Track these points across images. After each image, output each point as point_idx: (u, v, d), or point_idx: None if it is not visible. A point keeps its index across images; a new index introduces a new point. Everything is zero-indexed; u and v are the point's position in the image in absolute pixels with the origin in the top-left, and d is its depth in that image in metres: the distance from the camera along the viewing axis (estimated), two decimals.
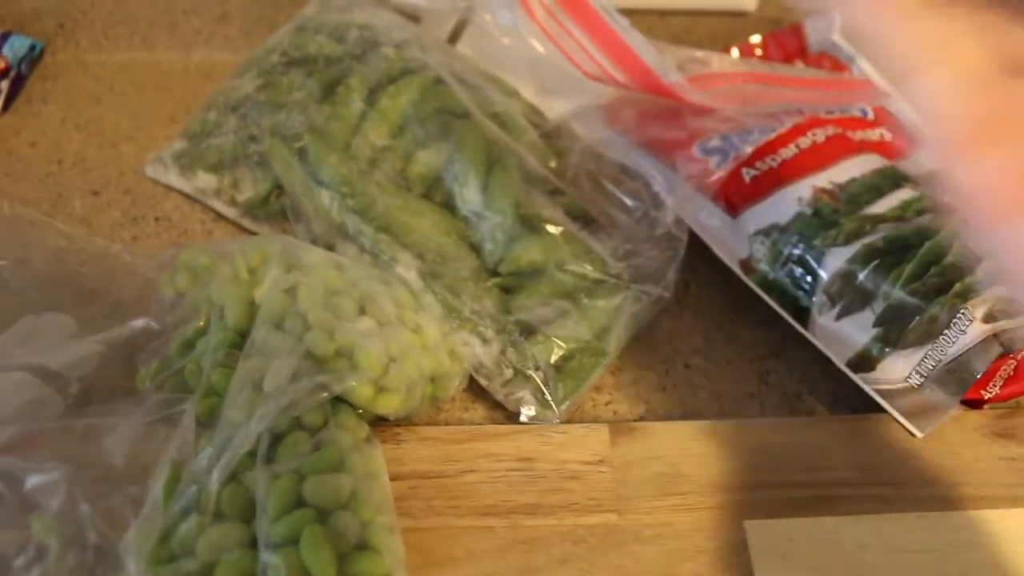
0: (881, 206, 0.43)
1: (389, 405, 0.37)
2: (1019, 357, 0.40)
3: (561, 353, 0.41)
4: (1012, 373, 0.40)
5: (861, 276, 0.41)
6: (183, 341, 0.41)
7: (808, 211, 0.44)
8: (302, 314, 0.39)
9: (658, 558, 0.35)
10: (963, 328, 0.39)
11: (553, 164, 0.48)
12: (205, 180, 0.49)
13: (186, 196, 0.51)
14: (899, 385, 0.40)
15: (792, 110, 0.49)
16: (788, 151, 0.46)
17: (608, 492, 0.37)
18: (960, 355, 0.39)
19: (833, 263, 0.42)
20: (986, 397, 0.40)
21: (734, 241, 0.45)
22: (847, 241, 0.42)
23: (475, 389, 0.42)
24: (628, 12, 0.56)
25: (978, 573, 0.36)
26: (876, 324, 0.41)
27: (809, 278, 0.42)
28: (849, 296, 0.41)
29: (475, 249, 0.44)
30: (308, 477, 0.34)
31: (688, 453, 0.38)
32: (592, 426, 0.39)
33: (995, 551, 0.36)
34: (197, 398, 0.38)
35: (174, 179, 0.50)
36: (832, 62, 0.55)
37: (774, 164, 0.46)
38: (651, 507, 0.37)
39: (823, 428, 0.40)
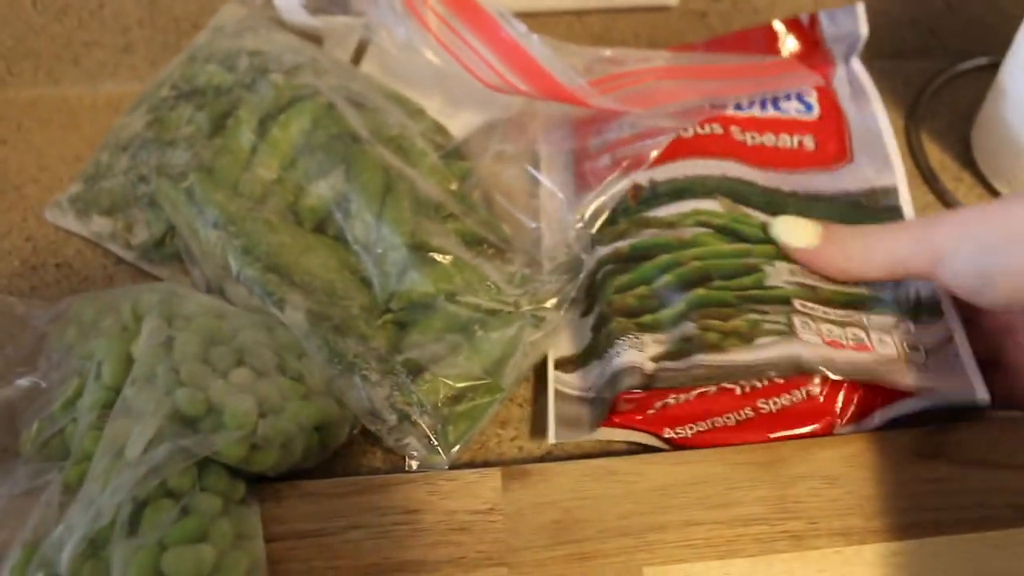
0: (668, 211, 0.42)
1: (265, 463, 0.36)
2: (691, 398, 0.38)
3: (450, 393, 0.38)
4: (709, 426, 0.38)
5: (597, 278, 0.41)
6: (65, 400, 0.39)
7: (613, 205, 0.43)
8: (175, 368, 0.37)
9: None
10: (619, 352, 0.37)
11: (453, 187, 0.45)
12: (100, 224, 0.47)
13: (88, 241, 0.49)
14: (576, 392, 0.40)
15: (705, 105, 0.46)
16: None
17: (498, 543, 0.35)
18: (610, 378, 0.38)
19: (589, 261, 0.42)
20: (668, 436, 0.38)
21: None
22: (611, 241, 0.41)
23: (373, 434, 0.40)
24: (544, 14, 0.54)
25: None
26: (591, 329, 0.40)
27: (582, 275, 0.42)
28: (588, 297, 0.41)
29: (366, 284, 0.42)
30: (169, 549, 0.33)
31: (584, 496, 0.36)
32: (483, 471, 0.37)
33: None
34: (69, 464, 0.37)
35: (72, 223, 0.49)
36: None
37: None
38: (544, 558, 0.35)
39: (729, 459, 0.37)
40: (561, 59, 0.47)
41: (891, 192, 0.44)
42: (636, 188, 0.43)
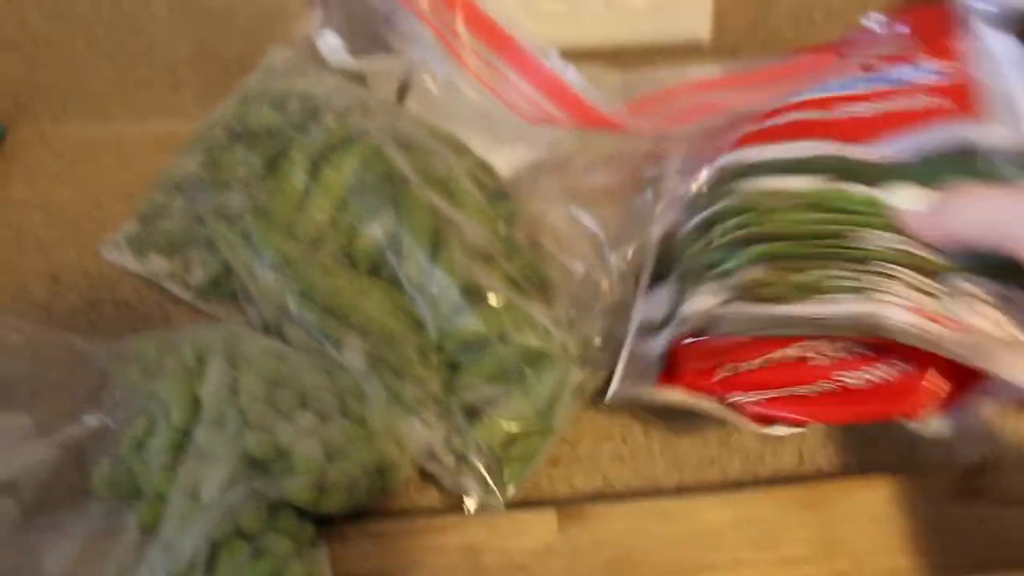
0: (757, 184, 0.39)
1: (332, 505, 0.37)
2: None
3: (505, 435, 0.40)
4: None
5: (680, 244, 0.41)
6: (133, 440, 0.41)
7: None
8: (242, 411, 0.38)
9: None
10: (687, 302, 0.37)
11: (500, 228, 0.47)
12: (158, 263, 0.49)
13: (144, 279, 0.50)
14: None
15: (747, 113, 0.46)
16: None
17: None
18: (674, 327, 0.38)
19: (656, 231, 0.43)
20: (733, 400, 0.37)
21: None
22: (695, 213, 0.41)
23: (428, 473, 0.42)
24: (577, 53, 0.55)
25: None
26: (673, 293, 0.40)
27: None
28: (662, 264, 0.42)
29: (420, 326, 0.43)
30: None
31: (638, 535, 0.37)
32: (540, 511, 0.38)
33: None
34: (144, 505, 0.38)
35: (129, 262, 0.50)
36: None
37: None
38: None
39: (779, 498, 0.39)
40: (596, 86, 0.48)
41: None
42: (733, 164, 0.41)
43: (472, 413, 0.40)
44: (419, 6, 0.49)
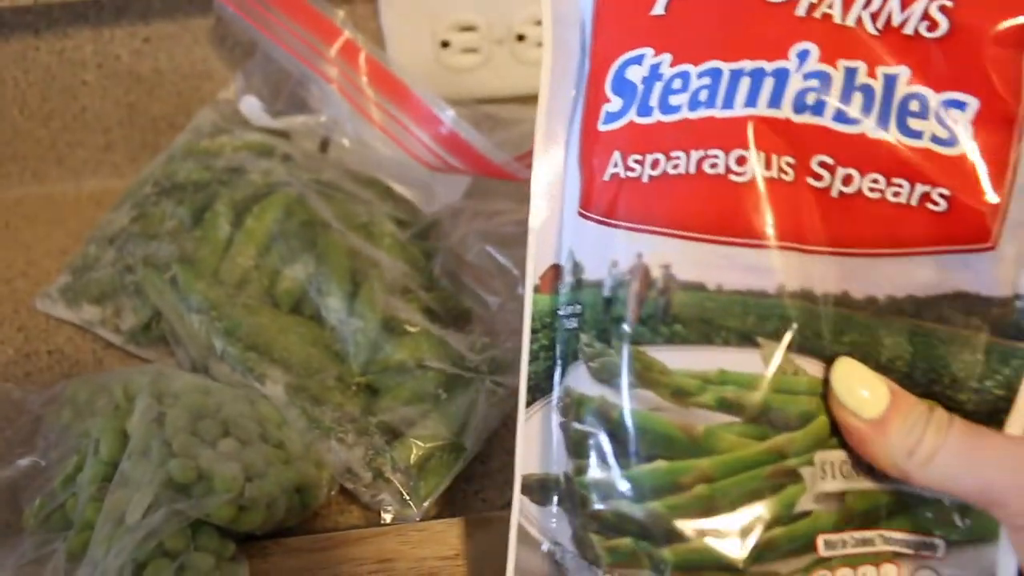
0: (682, 361, 0.28)
1: (252, 522, 0.39)
2: None
3: (421, 453, 0.43)
4: None
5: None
6: (65, 476, 0.43)
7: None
8: (168, 441, 0.41)
9: None
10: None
11: (421, 264, 0.50)
12: (90, 311, 0.51)
13: (77, 327, 0.53)
14: (538, 536, 0.33)
15: None
16: None
17: None
18: None
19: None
20: None
21: None
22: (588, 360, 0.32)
23: (349, 493, 0.44)
24: (490, 101, 0.60)
25: None
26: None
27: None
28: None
29: (341, 357, 0.46)
30: None
31: None
32: (449, 521, 0.41)
33: None
34: (72, 534, 0.40)
35: (62, 312, 0.53)
36: None
37: None
38: None
39: None
40: (490, 138, 0.52)
41: None
42: (645, 284, 0.28)
43: (391, 433, 0.43)
44: (326, 72, 0.53)
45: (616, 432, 0.29)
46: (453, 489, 0.45)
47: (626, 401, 0.28)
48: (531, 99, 0.60)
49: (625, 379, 0.28)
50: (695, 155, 0.27)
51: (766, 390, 0.27)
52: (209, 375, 0.47)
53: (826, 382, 0.27)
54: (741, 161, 0.27)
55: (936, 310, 0.26)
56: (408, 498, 0.42)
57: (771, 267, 0.26)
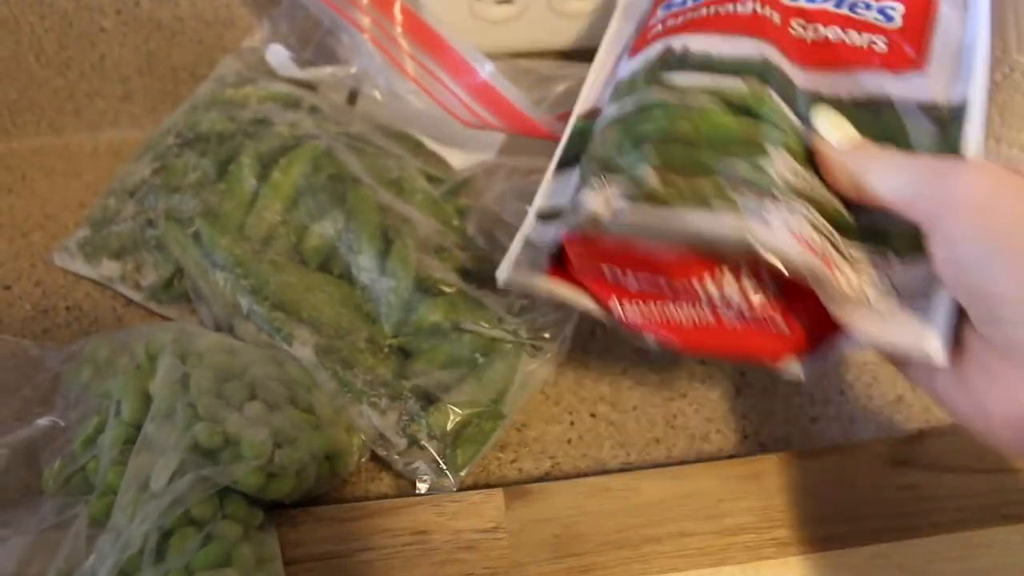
0: (685, 78, 0.38)
1: (281, 490, 0.38)
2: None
3: (457, 420, 0.41)
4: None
5: (596, 133, 0.40)
6: (85, 438, 0.41)
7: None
8: (192, 404, 0.39)
9: None
10: (583, 196, 0.36)
11: (455, 222, 0.48)
12: (109, 267, 0.49)
13: (96, 283, 0.51)
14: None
15: None
16: None
17: (503, 559, 0.37)
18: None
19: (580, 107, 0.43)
20: (617, 311, 0.36)
21: None
22: (620, 98, 0.40)
23: (381, 459, 0.42)
24: (526, 55, 0.57)
25: None
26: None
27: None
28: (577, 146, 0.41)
29: (372, 318, 0.44)
30: (196, 573, 0.34)
31: (583, 512, 0.38)
32: (487, 492, 0.39)
33: None
34: (94, 498, 0.38)
35: (81, 267, 0.51)
36: None
37: None
38: (546, 571, 0.37)
39: (721, 472, 0.40)
40: (529, 95, 0.50)
41: (958, 112, 0.36)
42: (667, 51, 0.39)
43: (426, 399, 0.41)
44: (358, 21, 0.50)
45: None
46: (487, 457, 0.43)
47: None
48: (569, 54, 0.58)
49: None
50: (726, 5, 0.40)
51: (747, 97, 0.36)
52: (234, 334, 0.45)
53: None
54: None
55: (888, 105, 0.37)
56: (444, 467, 0.40)
57: (764, 52, 0.38)
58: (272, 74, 0.54)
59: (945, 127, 0.36)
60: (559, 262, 0.37)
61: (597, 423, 0.44)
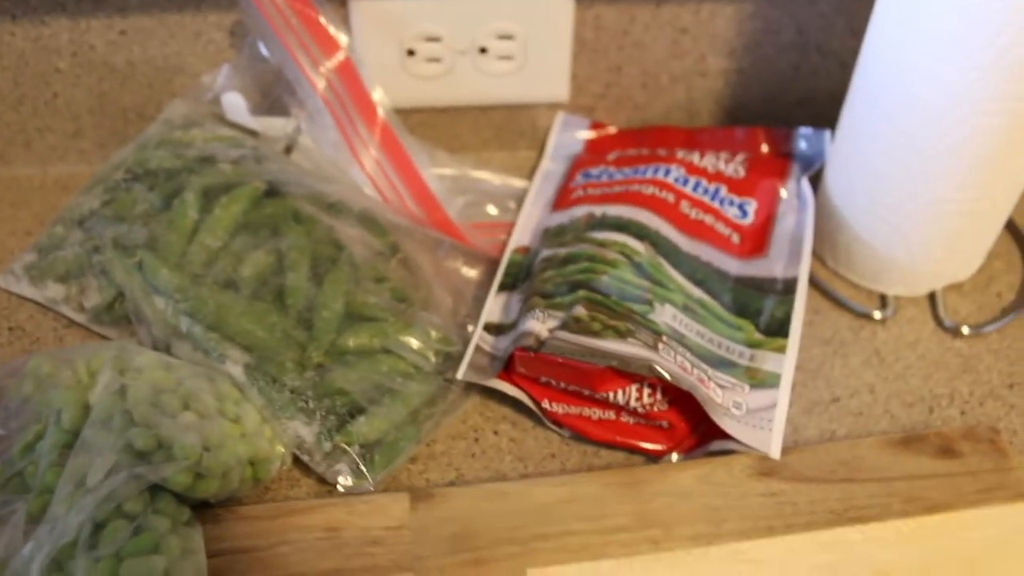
0: (604, 235, 0.53)
1: (207, 490, 0.42)
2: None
3: (374, 437, 0.45)
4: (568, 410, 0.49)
5: (535, 271, 0.53)
6: (24, 444, 0.44)
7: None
8: (129, 412, 0.43)
9: None
10: (527, 320, 0.48)
11: (385, 255, 0.53)
12: (54, 289, 0.53)
13: (39, 305, 0.54)
14: (491, 350, 0.50)
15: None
16: None
17: (406, 553, 0.41)
18: (514, 338, 0.48)
19: (536, 259, 0.55)
20: (546, 407, 0.49)
21: None
22: (555, 247, 0.54)
23: (301, 468, 0.47)
24: (451, 109, 0.63)
25: None
26: (519, 308, 0.51)
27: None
28: (526, 284, 0.53)
29: (300, 342, 0.48)
30: (125, 560, 0.38)
31: (480, 513, 0.43)
32: (394, 495, 0.43)
33: None
34: (32, 496, 0.42)
35: (26, 289, 0.54)
36: None
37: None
38: (444, 563, 0.41)
39: (604, 480, 0.45)
40: (462, 199, 0.60)
41: (791, 285, 0.53)
42: (590, 215, 0.55)
43: (347, 415, 0.46)
44: (316, 83, 0.56)
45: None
46: (399, 470, 0.47)
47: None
48: (492, 109, 0.64)
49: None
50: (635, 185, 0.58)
51: (647, 263, 0.52)
52: (171, 354, 0.49)
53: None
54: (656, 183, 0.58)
55: (743, 282, 0.54)
56: (364, 469, 0.45)
57: (657, 225, 0.54)
58: (219, 119, 0.58)
59: (780, 296, 0.52)
60: (506, 367, 0.49)
61: (499, 439, 0.49)
